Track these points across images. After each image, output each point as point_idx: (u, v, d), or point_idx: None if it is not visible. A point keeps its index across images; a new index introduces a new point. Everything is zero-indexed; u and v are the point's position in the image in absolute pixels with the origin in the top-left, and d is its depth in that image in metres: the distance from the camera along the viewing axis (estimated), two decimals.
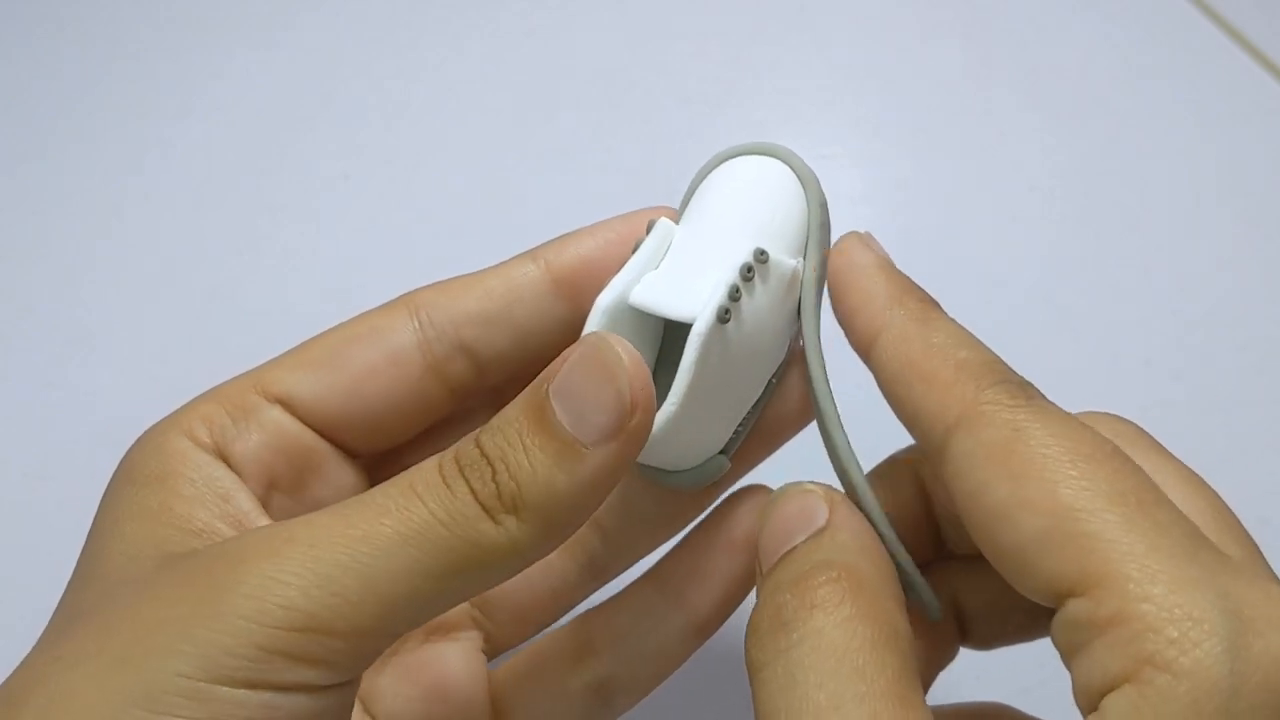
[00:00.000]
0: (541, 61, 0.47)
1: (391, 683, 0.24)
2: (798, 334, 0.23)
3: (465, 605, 0.25)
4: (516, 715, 0.25)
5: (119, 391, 0.39)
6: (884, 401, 0.21)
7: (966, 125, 0.45)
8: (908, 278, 0.21)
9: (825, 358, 0.22)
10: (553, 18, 0.49)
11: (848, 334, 0.21)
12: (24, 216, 0.43)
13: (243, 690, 0.16)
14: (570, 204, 0.42)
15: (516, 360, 0.24)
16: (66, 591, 0.20)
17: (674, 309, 0.21)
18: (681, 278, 0.21)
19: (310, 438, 0.23)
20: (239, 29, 0.49)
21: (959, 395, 0.18)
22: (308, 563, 0.17)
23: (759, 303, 0.21)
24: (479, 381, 0.24)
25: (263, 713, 0.16)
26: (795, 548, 0.20)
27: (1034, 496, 0.17)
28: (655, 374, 0.24)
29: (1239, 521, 0.19)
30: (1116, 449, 0.17)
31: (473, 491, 0.17)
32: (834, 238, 0.23)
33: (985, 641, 0.24)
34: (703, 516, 0.25)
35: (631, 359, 0.18)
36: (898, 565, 0.21)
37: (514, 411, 0.18)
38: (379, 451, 0.24)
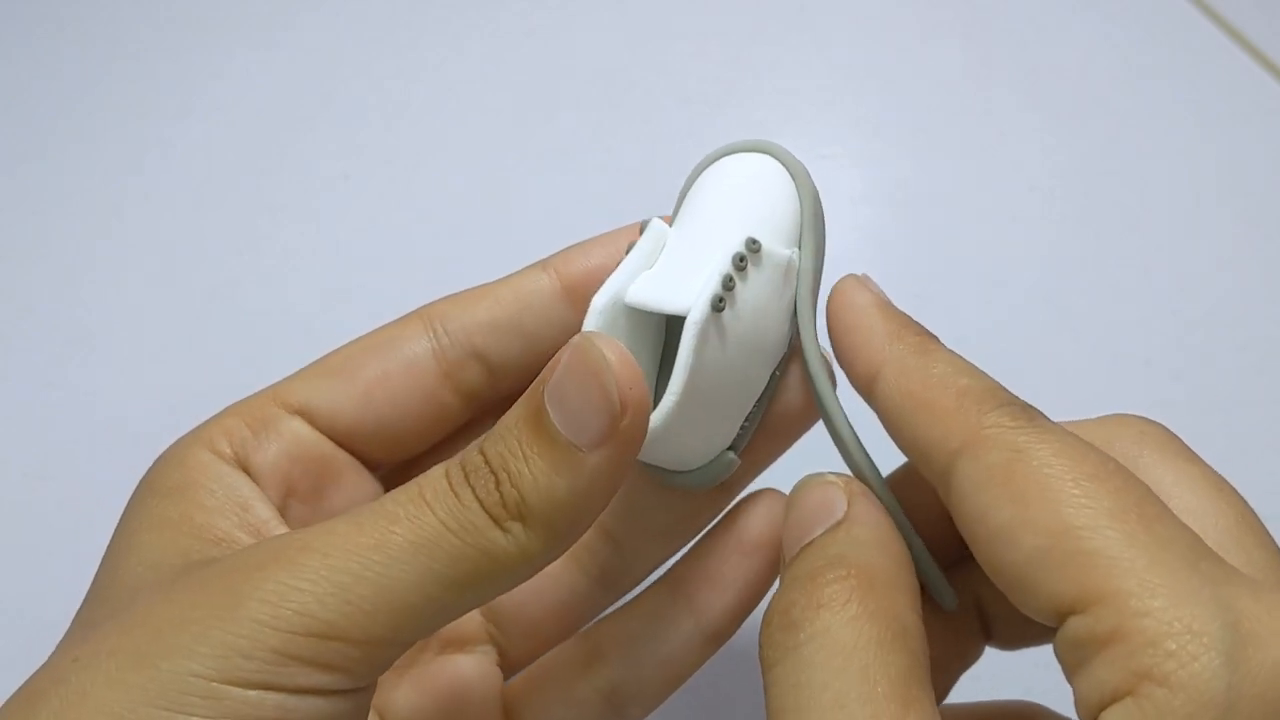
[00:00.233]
0: (541, 61, 0.47)
1: (407, 694, 0.24)
2: (797, 326, 0.23)
3: (480, 620, 0.25)
4: None
5: (119, 391, 0.39)
6: None
7: (966, 125, 0.45)
8: (905, 314, 0.22)
9: (824, 345, 0.22)
10: (553, 18, 0.49)
11: (848, 374, 0.22)
12: (24, 216, 0.43)
13: (257, 692, 0.16)
14: (570, 204, 0.42)
15: (528, 367, 0.24)
16: (86, 599, 0.20)
17: (669, 303, 0.21)
18: (676, 274, 0.21)
19: (328, 447, 0.23)
20: (239, 29, 0.49)
21: (961, 422, 0.18)
22: (323, 570, 0.17)
23: (755, 292, 0.21)
24: (492, 389, 0.24)
25: (277, 714, 0.16)
26: (813, 541, 0.20)
27: (1035, 517, 0.17)
28: (660, 375, 0.24)
29: (1263, 527, 0.19)
30: (1119, 466, 0.17)
31: (479, 500, 0.18)
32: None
33: (1009, 642, 0.24)
34: (716, 521, 0.25)
35: (619, 358, 0.18)
36: (912, 554, 0.21)
37: (513, 418, 0.18)
38: (398, 462, 0.24)
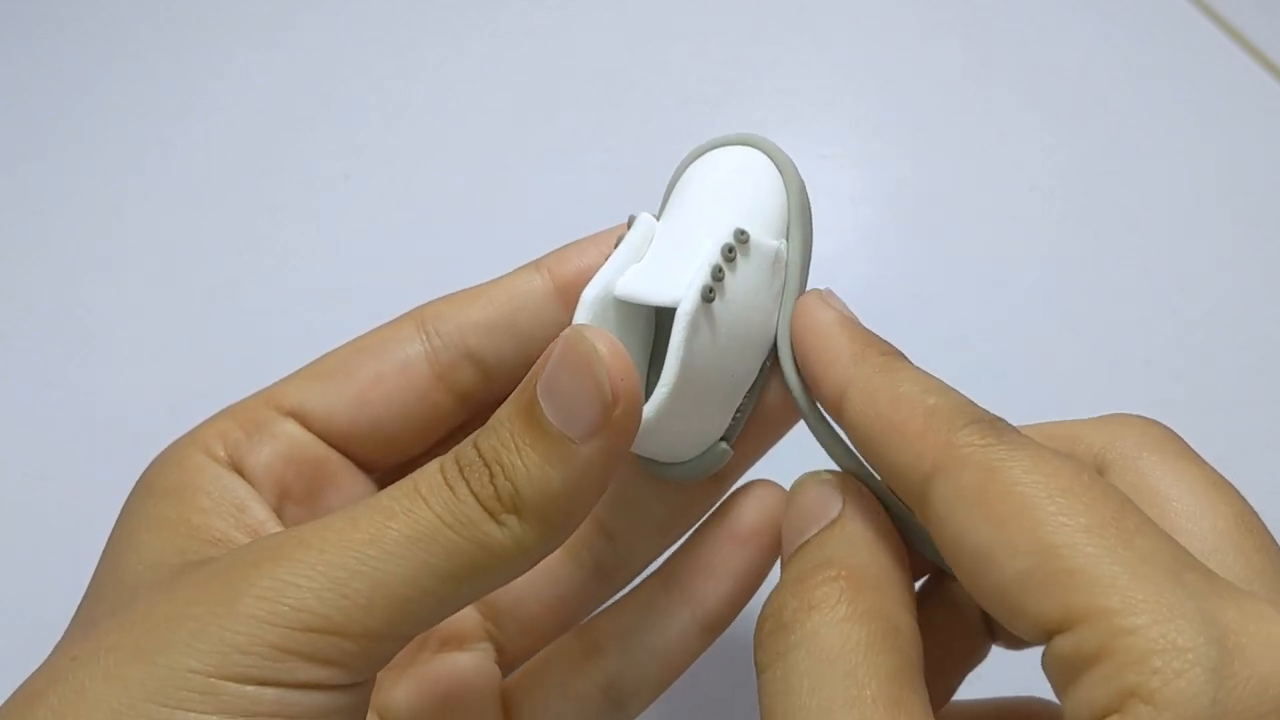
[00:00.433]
0: (541, 61, 0.47)
1: (406, 693, 0.24)
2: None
3: (478, 617, 0.25)
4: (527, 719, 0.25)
5: (119, 391, 0.39)
6: None
7: (966, 125, 0.45)
8: (869, 332, 0.21)
9: None
10: (553, 18, 0.49)
11: (816, 396, 0.21)
12: (24, 216, 0.44)
13: (255, 687, 0.16)
14: (570, 204, 0.42)
15: (522, 368, 0.24)
16: (84, 599, 0.20)
17: (658, 295, 0.21)
18: (665, 267, 0.22)
19: (323, 449, 0.23)
20: (239, 29, 0.49)
21: (931, 443, 0.18)
22: (319, 566, 0.17)
23: (744, 282, 0.21)
24: (486, 390, 0.24)
25: (275, 709, 0.17)
26: (807, 542, 0.20)
27: (1013, 538, 0.16)
28: (650, 369, 0.24)
29: (1264, 529, 0.19)
30: (1094, 477, 0.17)
31: (474, 493, 0.18)
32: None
33: (1016, 641, 0.24)
34: (710, 513, 0.25)
35: (610, 349, 0.18)
36: (916, 539, 0.20)
37: (506, 412, 0.18)
38: (394, 465, 0.25)
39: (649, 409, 0.21)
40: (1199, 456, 0.20)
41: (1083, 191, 0.43)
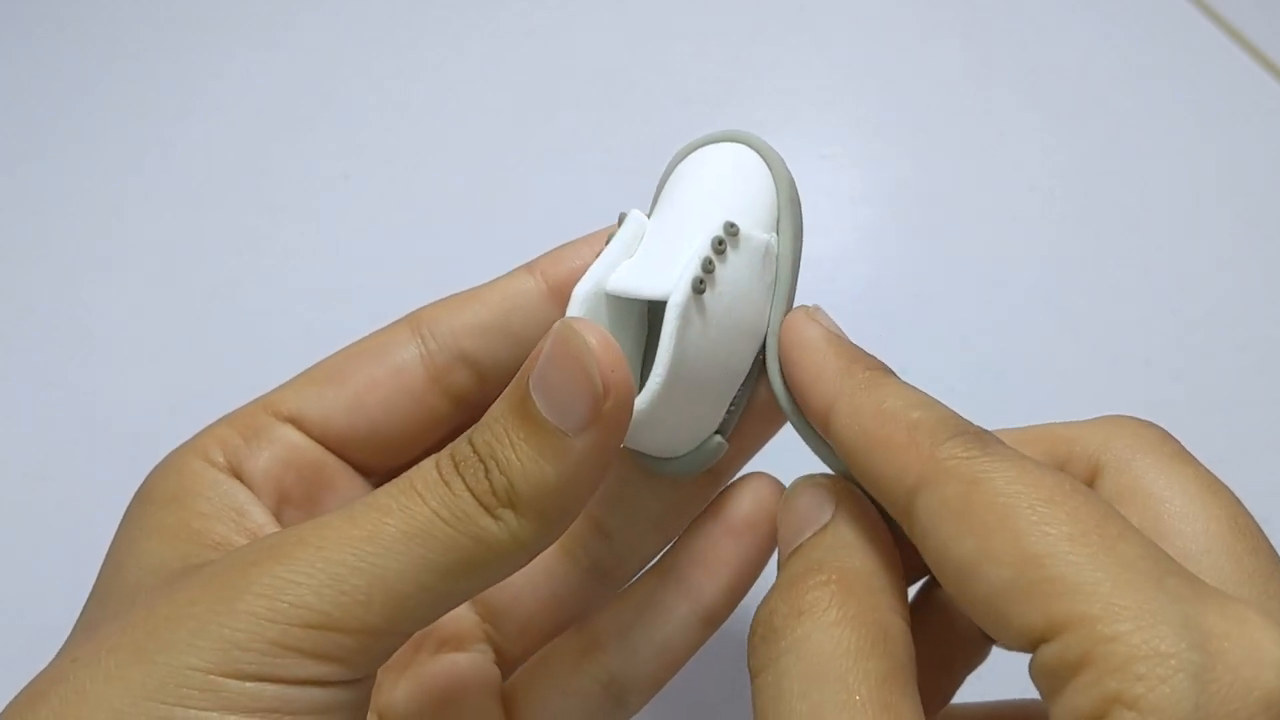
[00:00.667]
0: (541, 61, 0.47)
1: (406, 694, 0.24)
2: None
3: (476, 618, 0.25)
4: (527, 718, 0.25)
5: (119, 391, 0.39)
6: None
7: (966, 125, 0.45)
8: (856, 347, 0.21)
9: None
10: (553, 18, 0.49)
11: (805, 412, 0.22)
12: (24, 216, 0.44)
13: (255, 684, 0.16)
14: (570, 204, 0.42)
15: (516, 370, 0.24)
16: (86, 604, 0.20)
17: (649, 288, 0.21)
18: (655, 262, 0.22)
19: (320, 454, 0.23)
20: (239, 29, 0.49)
21: (916, 456, 0.18)
22: (317, 563, 0.17)
23: (735, 274, 0.21)
24: (481, 393, 0.24)
25: (276, 705, 0.17)
26: (799, 545, 0.20)
27: (996, 548, 0.16)
28: (643, 364, 0.24)
29: (1258, 531, 0.19)
30: (1076, 486, 0.17)
31: (469, 488, 0.18)
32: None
33: None
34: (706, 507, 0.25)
35: (600, 341, 0.18)
36: (891, 522, 0.20)
37: (500, 407, 0.19)
38: (391, 468, 0.25)
39: (642, 401, 0.21)
40: (1193, 458, 0.20)
41: (1083, 191, 0.43)
